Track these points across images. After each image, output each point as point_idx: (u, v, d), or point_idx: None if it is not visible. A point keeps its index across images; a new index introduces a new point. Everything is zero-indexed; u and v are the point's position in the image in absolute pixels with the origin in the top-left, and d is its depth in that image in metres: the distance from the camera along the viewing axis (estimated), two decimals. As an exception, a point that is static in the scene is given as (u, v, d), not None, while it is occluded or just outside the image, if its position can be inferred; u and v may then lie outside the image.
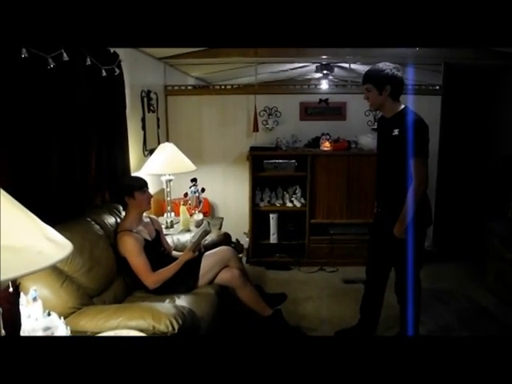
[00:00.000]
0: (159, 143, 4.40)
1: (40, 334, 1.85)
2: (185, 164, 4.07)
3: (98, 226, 2.87)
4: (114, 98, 3.38)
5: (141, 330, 2.13)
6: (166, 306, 2.51)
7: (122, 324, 2.22)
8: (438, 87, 5.06)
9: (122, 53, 3.44)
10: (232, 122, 5.22)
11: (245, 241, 5.16)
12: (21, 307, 1.90)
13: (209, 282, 3.19)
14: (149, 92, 4.41)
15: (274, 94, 5.25)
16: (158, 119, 4.76)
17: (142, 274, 2.93)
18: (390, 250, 3.01)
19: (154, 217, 3.53)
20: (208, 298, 3.01)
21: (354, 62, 5.32)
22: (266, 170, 4.96)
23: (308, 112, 5.24)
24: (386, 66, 2.85)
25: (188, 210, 4.20)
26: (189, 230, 3.92)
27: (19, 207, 1.34)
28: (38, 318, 1.90)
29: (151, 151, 4.24)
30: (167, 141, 4.58)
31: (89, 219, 2.84)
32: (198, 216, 4.20)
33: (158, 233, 3.33)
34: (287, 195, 5.13)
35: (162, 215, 4.20)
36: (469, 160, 6.21)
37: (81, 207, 2.91)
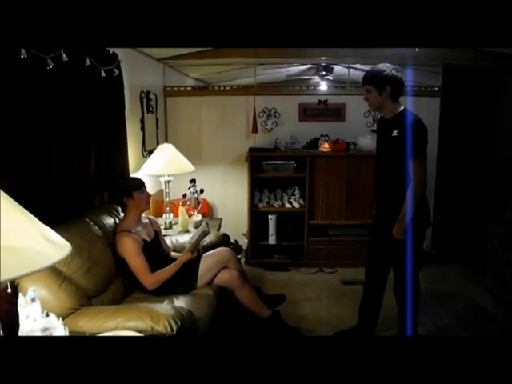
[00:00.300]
0: (158, 144, 4.40)
1: (38, 334, 1.85)
2: (184, 165, 4.07)
3: (96, 227, 2.87)
4: (113, 99, 3.38)
5: (139, 331, 2.13)
6: (164, 307, 2.51)
7: (120, 325, 2.22)
8: (437, 88, 5.06)
9: (122, 53, 3.45)
10: (231, 123, 5.22)
11: (243, 242, 5.16)
12: (19, 308, 1.90)
13: (207, 282, 3.19)
14: (148, 93, 4.42)
15: (273, 95, 5.25)
16: (157, 120, 4.76)
17: (140, 274, 2.93)
18: (389, 251, 3.01)
19: (152, 218, 3.53)
20: (207, 299, 3.00)
21: (354, 64, 5.32)
22: (265, 171, 4.96)
23: (307, 113, 5.24)
24: (385, 66, 2.85)
25: (187, 210, 4.20)
26: (187, 231, 3.92)
27: (18, 208, 1.34)
28: (37, 319, 1.90)
29: (150, 152, 4.24)
30: (166, 142, 4.59)
31: (87, 220, 2.84)
32: (197, 217, 4.20)
33: (157, 234, 3.33)
34: (286, 196, 5.13)
35: (161, 216, 4.20)
36: (468, 161, 6.21)
37: (80, 208, 2.91)
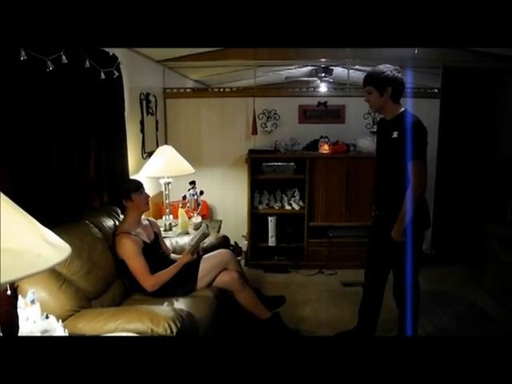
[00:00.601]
0: (158, 146, 4.41)
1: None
2: (183, 167, 4.07)
3: (96, 229, 2.86)
4: (113, 101, 3.38)
5: (139, 333, 2.13)
6: (164, 309, 2.50)
7: (120, 327, 2.22)
8: (436, 90, 5.07)
9: (121, 55, 3.45)
10: (231, 124, 5.22)
11: (243, 244, 5.16)
12: (19, 310, 1.90)
13: (207, 284, 3.19)
14: (148, 95, 4.42)
15: (272, 96, 5.26)
16: (156, 122, 4.77)
17: (140, 276, 2.93)
18: (388, 253, 3.01)
19: (152, 219, 3.53)
20: (206, 301, 3.00)
21: (353, 65, 5.32)
22: (265, 173, 4.96)
23: (307, 115, 5.24)
24: (386, 68, 2.85)
25: (186, 212, 4.20)
26: (187, 233, 3.92)
27: (18, 210, 1.34)
28: (36, 321, 1.89)
29: (150, 154, 4.24)
30: (166, 143, 4.58)
31: (87, 222, 2.84)
32: (197, 219, 4.20)
33: (157, 235, 3.33)
34: (286, 198, 5.13)
35: (161, 218, 4.20)
36: (467, 163, 6.21)
37: (79, 210, 2.91)
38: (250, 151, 4.96)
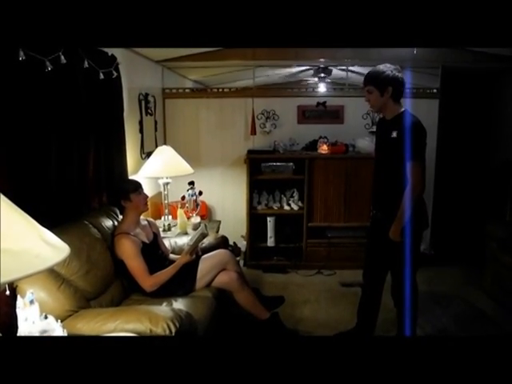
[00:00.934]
0: (157, 146, 4.41)
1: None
2: (182, 167, 4.07)
3: (95, 229, 2.86)
4: (112, 101, 3.38)
5: (138, 333, 2.13)
6: (163, 309, 2.51)
7: (119, 327, 2.22)
8: (435, 90, 5.07)
9: (120, 56, 3.45)
10: (230, 125, 5.23)
11: (242, 244, 5.16)
12: (18, 310, 1.89)
13: (206, 285, 3.19)
14: (146, 95, 4.42)
15: (271, 97, 5.26)
16: (155, 122, 4.77)
17: (139, 276, 2.93)
18: (386, 253, 3.01)
19: (151, 220, 3.53)
20: (205, 301, 3.00)
21: (352, 65, 5.33)
22: (264, 173, 4.96)
23: (306, 115, 5.25)
24: (386, 67, 2.86)
25: (185, 213, 4.20)
26: (186, 233, 3.92)
27: (17, 210, 1.34)
28: (35, 321, 1.89)
29: (149, 154, 4.24)
30: (165, 144, 4.58)
31: (86, 222, 2.84)
32: (196, 219, 4.20)
33: (156, 236, 3.33)
34: (285, 198, 5.13)
35: (160, 218, 4.21)
36: (466, 163, 6.21)
37: (78, 210, 2.91)
38: (249, 151, 4.97)
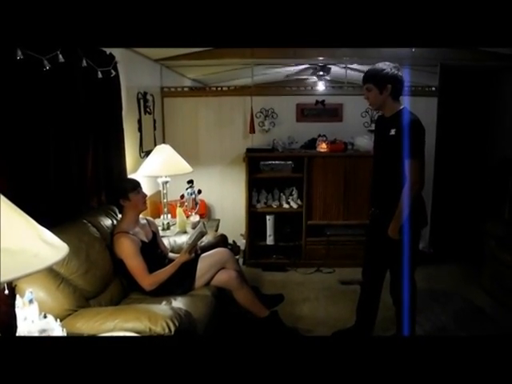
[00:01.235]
0: (155, 145, 4.41)
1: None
2: (181, 166, 4.07)
3: (94, 228, 2.86)
4: (110, 100, 3.38)
5: (137, 332, 2.13)
6: (162, 308, 2.51)
7: (118, 326, 2.22)
8: (434, 88, 5.07)
9: (118, 54, 3.44)
10: (228, 123, 5.22)
11: (241, 242, 5.17)
12: (17, 309, 1.89)
13: (205, 283, 3.19)
14: (145, 94, 4.41)
15: (270, 95, 5.25)
16: (154, 121, 4.76)
17: (138, 275, 2.93)
18: (385, 251, 3.02)
19: (150, 218, 3.53)
20: (205, 300, 3.00)
21: (351, 64, 5.32)
22: (263, 172, 4.96)
23: (304, 113, 5.24)
24: (385, 65, 2.86)
25: (184, 211, 4.20)
26: (185, 232, 3.92)
27: (15, 209, 1.34)
28: (34, 321, 1.89)
29: (147, 153, 4.23)
30: (164, 142, 4.57)
31: (85, 221, 2.84)
32: (195, 218, 4.20)
33: (155, 234, 3.33)
34: (284, 196, 5.13)
35: (159, 217, 4.20)
36: (465, 161, 6.22)
37: (77, 209, 2.91)
38: (248, 150, 4.97)
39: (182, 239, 3.70)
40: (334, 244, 4.96)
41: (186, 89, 5.38)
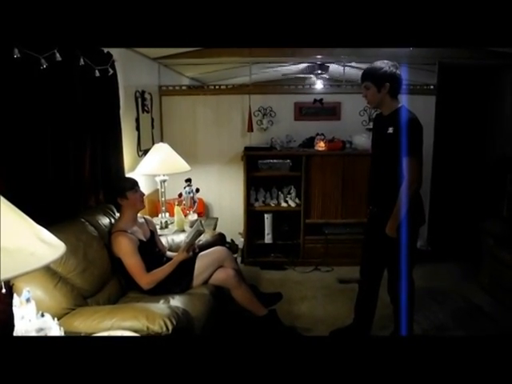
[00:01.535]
0: (153, 143, 4.40)
1: (33, 335, 1.84)
2: (179, 164, 4.07)
3: (92, 227, 2.86)
4: (108, 99, 3.37)
5: (135, 331, 2.13)
6: (160, 307, 2.50)
7: (115, 325, 2.22)
8: (432, 87, 5.07)
9: (116, 53, 3.43)
10: (226, 122, 5.22)
11: (240, 241, 5.16)
12: (14, 308, 1.89)
13: (203, 282, 3.19)
14: (143, 92, 4.41)
15: (268, 94, 5.25)
16: (152, 119, 4.76)
17: (136, 274, 2.93)
18: (383, 249, 3.02)
19: (148, 217, 3.53)
20: (203, 299, 3.00)
21: (349, 62, 5.32)
22: (261, 170, 4.96)
23: (302, 112, 5.24)
24: (384, 63, 2.86)
25: (182, 210, 4.19)
26: (183, 231, 3.92)
27: (12, 209, 1.34)
28: (32, 319, 1.89)
29: (145, 152, 4.23)
30: (161, 141, 4.57)
31: (83, 220, 2.84)
32: (193, 216, 4.20)
33: (153, 233, 3.33)
34: (282, 195, 5.13)
35: (157, 216, 4.20)
36: (463, 160, 6.22)
37: (75, 208, 2.91)
38: (246, 148, 4.97)
39: (180, 238, 3.70)
40: (332, 242, 4.96)
41: (184, 87, 5.37)
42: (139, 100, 4.32)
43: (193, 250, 3.23)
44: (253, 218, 5.06)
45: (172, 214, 4.18)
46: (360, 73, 3.04)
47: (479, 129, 6.08)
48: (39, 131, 2.48)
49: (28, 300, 1.94)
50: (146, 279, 2.94)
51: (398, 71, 2.88)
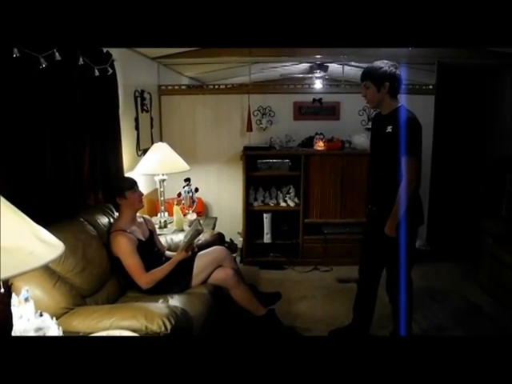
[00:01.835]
0: (153, 143, 4.39)
1: (32, 334, 1.84)
2: (178, 164, 4.06)
3: (91, 227, 2.86)
4: (107, 98, 3.37)
5: (133, 331, 2.13)
6: (158, 306, 2.50)
7: (114, 324, 2.22)
8: (431, 86, 5.07)
9: (115, 52, 3.43)
10: (226, 121, 5.22)
11: (239, 240, 5.16)
12: (12, 308, 1.89)
13: (202, 281, 3.19)
14: (142, 92, 4.41)
15: (267, 93, 5.25)
16: (151, 119, 4.75)
17: (135, 274, 2.93)
18: (382, 248, 3.02)
19: (147, 217, 3.52)
20: (201, 298, 3.00)
21: (348, 62, 5.32)
22: (260, 170, 4.96)
23: (302, 112, 5.24)
24: (383, 63, 2.87)
25: (182, 209, 4.19)
26: (182, 230, 3.92)
27: (11, 208, 1.34)
28: (30, 319, 1.89)
29: (145, 151, 4.23)
30: (161, 141, 4.57)
31: (82, 219, 2.84)
32: (192, 216, 4.19)
33: (152, 233, 3.33)
34: (281, 195, 5.13)
35: (156, 215, 4.20)
36: (462, 159, 6.22)
37: (74, 207, 2.90)
38: (245, 148, 4.97)
39: (179, 237, 3.69)
40: (331, 242, 4.97)
41: (183, 87, 5.37)
42: (138, 99, 4.32)
43: (192, 249, 3.22)
44: (252, 218, 5.06)
45: (171, 214, 4.18)
46: (359, 72, 3.04)
47: (478, 128, 6.09)
48: (38, 131, 2.48)
49: (26, 299, 1.94)
50: (144, 279, 2.94)
51: (397, 71, 2.88)
